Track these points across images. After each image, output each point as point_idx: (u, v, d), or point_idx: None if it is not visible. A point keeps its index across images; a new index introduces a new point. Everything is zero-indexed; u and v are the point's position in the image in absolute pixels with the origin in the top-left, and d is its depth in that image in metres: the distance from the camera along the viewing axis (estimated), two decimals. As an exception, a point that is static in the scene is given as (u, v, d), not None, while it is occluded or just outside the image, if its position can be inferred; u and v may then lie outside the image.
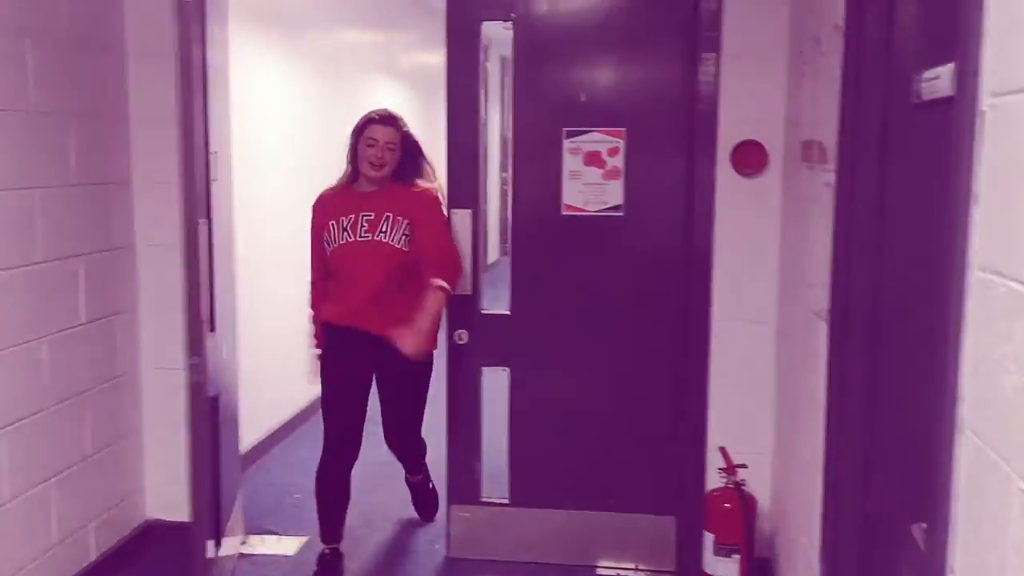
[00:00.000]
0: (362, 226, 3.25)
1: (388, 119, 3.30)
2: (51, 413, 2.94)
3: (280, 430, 4.92)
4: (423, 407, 3.56)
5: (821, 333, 2.43)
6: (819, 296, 2.49)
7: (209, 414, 2.96)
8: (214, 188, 3.07)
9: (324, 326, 3.40)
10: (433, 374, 3.50)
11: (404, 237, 3.26)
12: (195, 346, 2.85)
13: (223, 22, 3.30)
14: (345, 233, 3.27)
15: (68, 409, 3.03)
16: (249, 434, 4.15)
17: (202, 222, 2.83)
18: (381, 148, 3.24)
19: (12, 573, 2.76)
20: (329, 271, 3.37)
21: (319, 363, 3.43)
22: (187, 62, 2.74)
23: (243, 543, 3.63)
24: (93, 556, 3.18)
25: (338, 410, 3.37)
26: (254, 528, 3.77)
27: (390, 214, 3.25)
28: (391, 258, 3.25)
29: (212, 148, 3.02)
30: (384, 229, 3.25)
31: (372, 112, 3.34)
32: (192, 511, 2.96)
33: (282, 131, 5.03)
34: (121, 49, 3.28)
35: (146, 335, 3.44)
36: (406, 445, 3.71)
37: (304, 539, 3.70)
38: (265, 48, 4.72)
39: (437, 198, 3.36)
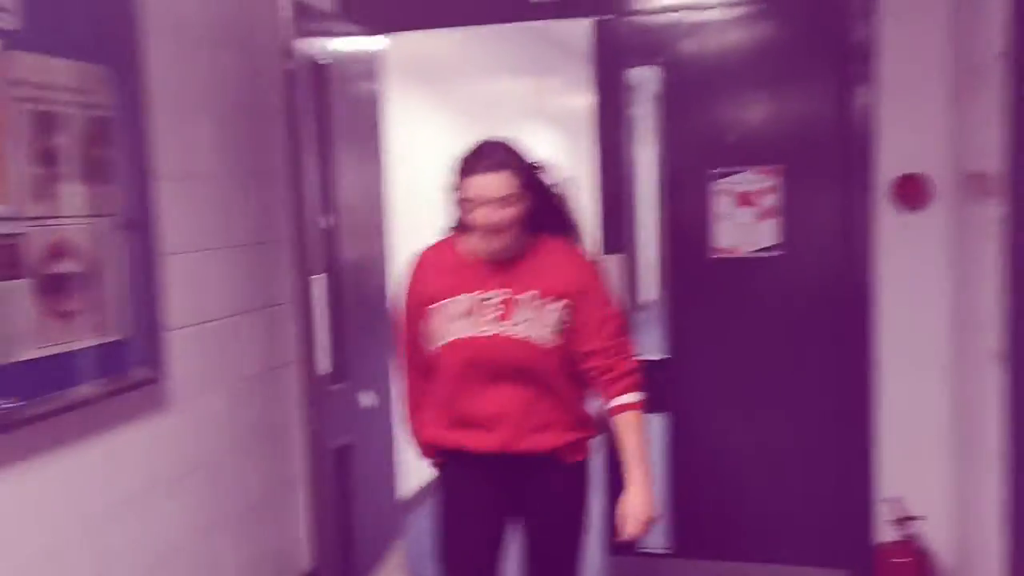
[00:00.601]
0: (490, 311, 2.23)
1: (495, 163, 2.19)
2: (224, 462, 3.10)
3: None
4: (581, 553, 2.47)
5: (996, 376, 2.28)
6: (994, 337, 2.34)
7: (335, 463, 3.05)
8: (347, 241, 3.16)
9: (432, 448, 2.42)
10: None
11: (559, 327, 2.23)
12: (312, 397, 2.93)
13: (371, 79, 3.44)
14: (460, 323, 2.24)
15: (235, 459, 3.18)
16: (415, 478, 4.23)
17: (315, 278, 2.91)
18: (491, 206, 2.18)
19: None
20: (430, 368, 2.35)
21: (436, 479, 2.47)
22: (295, 125, 2.88)
23: (405, 587, 3.68)
24: (265, 598, 3.32)
25: (463, 567, 2.36)
26: (420, 572, 3.83)
27: (536, 292, 2.22)
28: (542, 362, 2.23)
29: (343, 203, 3.12)
30: (528, 316, 2.21)
31: (472, 150, 2.26)
32: (313, 557, 3.03)
33: (437, 182, 5.18)
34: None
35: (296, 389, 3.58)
36: None
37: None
38: (420, 100, 4.90)
39: (600, 267, 2.40)
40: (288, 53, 2.86)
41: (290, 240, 3.24)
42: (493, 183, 2.15)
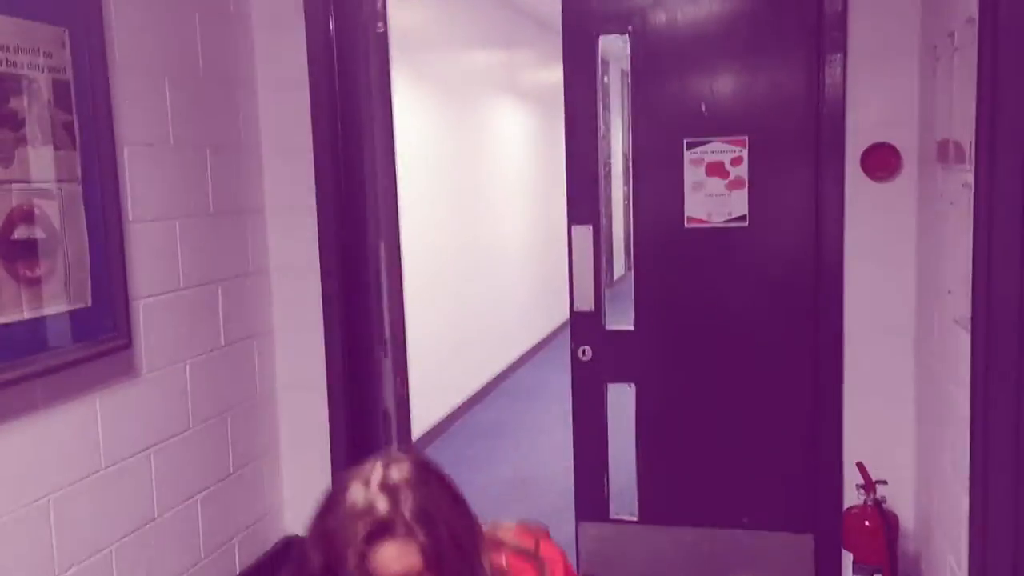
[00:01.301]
0: None
1: (396, 525, 1.45)
2: (196, 432, 3.09)
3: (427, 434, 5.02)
4: None
5: (963, 342, 2.31)
6: (959, 304, 2.37)
7: (383, 431, 3.09)
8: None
9: None
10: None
11: None
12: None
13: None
14: None
15: (211, 428, 3.17)
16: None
17: (382, 244, 2.91)
18: None
19: (163, 583, 2.91)
20: None
21: None
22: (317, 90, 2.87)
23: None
24: (238, 570, 3.32)
25: None
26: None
27: None
28: None
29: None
30: None
31: (358, 510, 1.46)
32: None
33: (406, 158, 5.15)
34: (252, 84, 3.43)
35: (281, 356, 3.57)
36: None
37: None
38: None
39: None
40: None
41: (298, 210, 3.35)
42: (400, 561, 1.45)
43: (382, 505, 1.45)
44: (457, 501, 1.55)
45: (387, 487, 1.47)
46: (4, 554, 2.32)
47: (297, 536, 3.63)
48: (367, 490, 1.47)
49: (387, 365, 3.32)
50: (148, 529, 2.84)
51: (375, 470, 1.50)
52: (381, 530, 1.44)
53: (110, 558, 2.69)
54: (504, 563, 1.62)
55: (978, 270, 2.21)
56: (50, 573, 2.47)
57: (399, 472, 1.50)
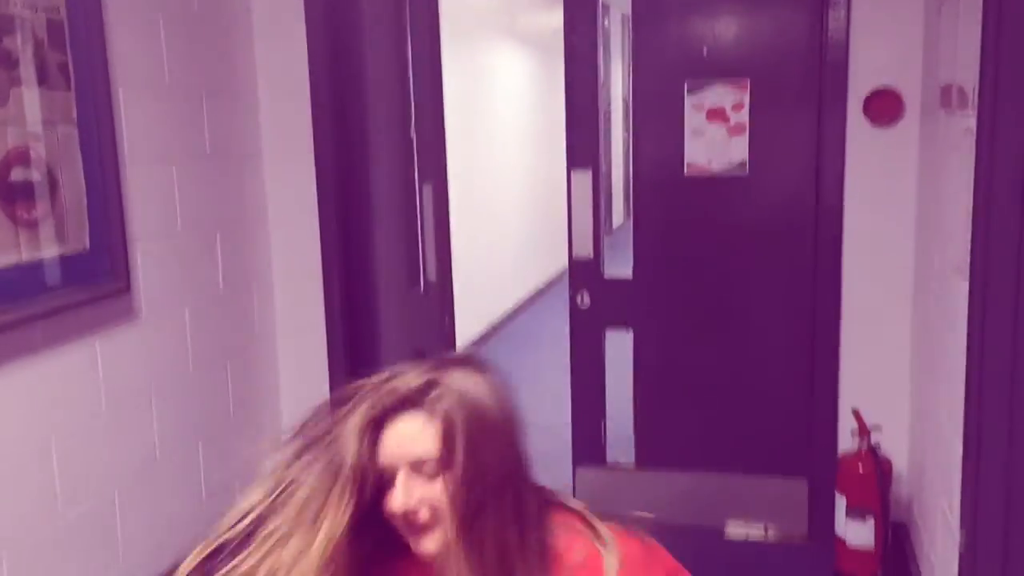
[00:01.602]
0: None
1: (425, 403, 1.20)
2: (196, 376, 3.10)
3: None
4: None
5: (960, 290, 2.31)
6: (958, 251, 2.36)
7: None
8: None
9: None
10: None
11: None
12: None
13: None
14: None
15: (211, 372, 3.19)
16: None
17: (426, 185, 2.88)
18: (408, 495, 1.19)
19: (168, 523, 2.95)
20: None
21: None
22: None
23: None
24: (238, 511, 3.36)
25: None
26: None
27: None
28: None
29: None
30: None
31: (378, 380, 1.24)
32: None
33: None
34: (248, 25, 3.38)
35: (280, 301, 3.58)
36: None
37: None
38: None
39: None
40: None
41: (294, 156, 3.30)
42: (414, 444, 1.18)
43: (415, 383, 1.21)
44: (510, 432, 1.28)
45: (432, 373, 1.23)
46: (7, 495, 2.35)
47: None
48: (409, 371, 1.23)
49: (427, 305, 3.27)
50: (150, 471, 2.87)
51: (431, 367, 1.25)
52: (404, 401, 1.20)
53: (113, 499, 2.72)
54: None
55: (978, 217, 2.20)
56: (53, 515, 2.50)
57: (456, 378, 1.22)
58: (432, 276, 3.01)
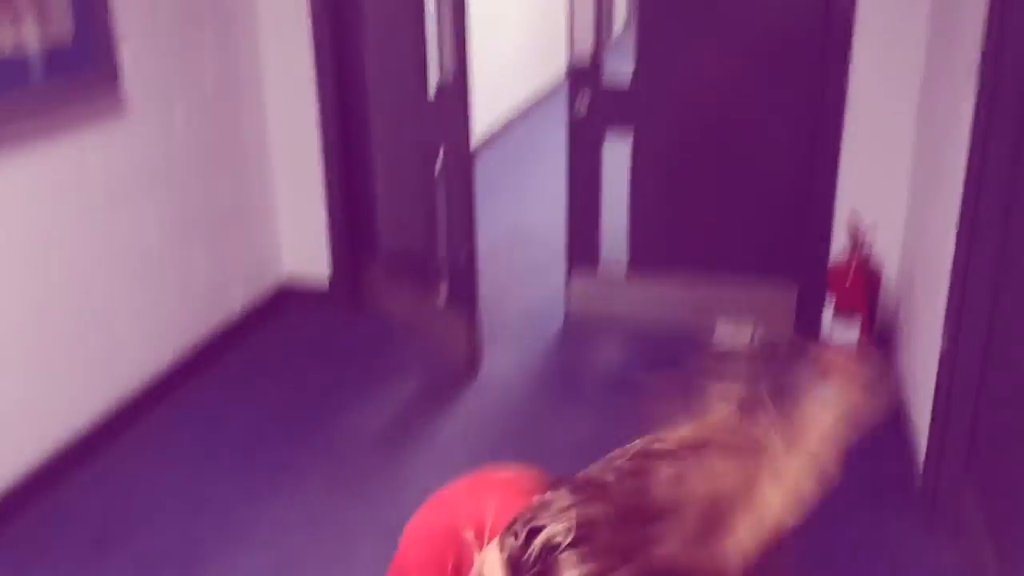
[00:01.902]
0: None
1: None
2: (189, 175, 3.08)
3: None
4: None
5: (967, 99, 2.26)
6: (970, 51, 2.30)
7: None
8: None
9: None
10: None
11: None
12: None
13: None
14: None
15: (203, 172, 3.17)
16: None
17: None
18: None
19: (167, 317, 3.01)
20: None
21: None
22: None
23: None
24: (238, 308, 3.42)
25: None
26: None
27: None
28: None
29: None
30: None
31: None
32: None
33: None
34: None
35: (272, 104, 3.50)
36: None
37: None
38: None
39: None
40: None
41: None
42: None
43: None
44: None
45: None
46: (10, 287, 2.38)
47: (295, 279, 3.71)
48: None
49: (437, 110, 3.12)
50: (145, 268, 2.91)
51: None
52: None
53: (111, 294, 2.77)
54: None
55: (992, 14, 2.12)
56: (50, 309, 2.54)
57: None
58: (448, 78, 2.89)
